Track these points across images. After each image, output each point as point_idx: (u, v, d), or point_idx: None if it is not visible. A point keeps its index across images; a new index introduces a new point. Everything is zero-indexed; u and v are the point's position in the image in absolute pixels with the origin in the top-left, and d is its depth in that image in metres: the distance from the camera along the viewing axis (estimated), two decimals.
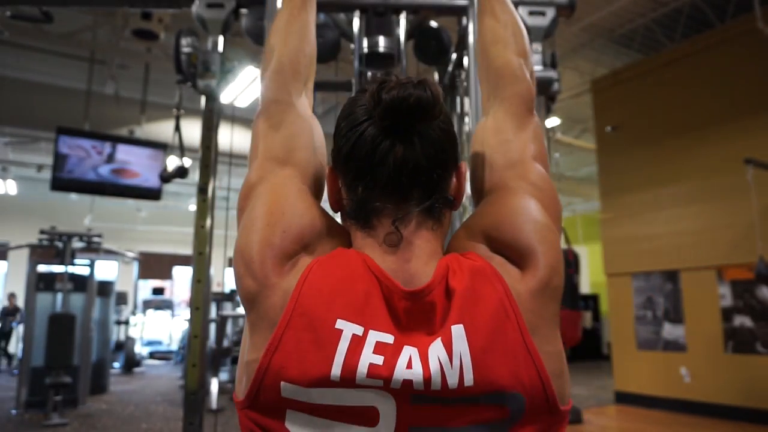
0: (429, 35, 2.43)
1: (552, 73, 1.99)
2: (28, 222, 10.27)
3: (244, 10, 2.07)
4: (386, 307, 0.59)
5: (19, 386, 6.00)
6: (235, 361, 7.74)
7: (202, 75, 1.98)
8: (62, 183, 5.84)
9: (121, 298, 10.15)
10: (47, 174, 8.10)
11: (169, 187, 9.03)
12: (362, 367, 0.55)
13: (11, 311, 9.51)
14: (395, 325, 0.58)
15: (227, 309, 8.45)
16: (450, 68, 2.49)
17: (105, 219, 11.10)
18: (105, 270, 9.82)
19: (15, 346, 9.69)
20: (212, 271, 2.13)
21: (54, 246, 6.56)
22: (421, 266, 0.62)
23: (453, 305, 0.59)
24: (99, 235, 6.92)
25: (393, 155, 0.61)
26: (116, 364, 9.35)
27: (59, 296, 6.21)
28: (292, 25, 0.83)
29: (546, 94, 2.03)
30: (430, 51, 2.46)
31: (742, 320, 5.42)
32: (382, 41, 2.03)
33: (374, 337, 0.56)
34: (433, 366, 0.55)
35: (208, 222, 2.05)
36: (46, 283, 6.33)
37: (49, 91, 6.88)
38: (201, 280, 2.00)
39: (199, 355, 1.96)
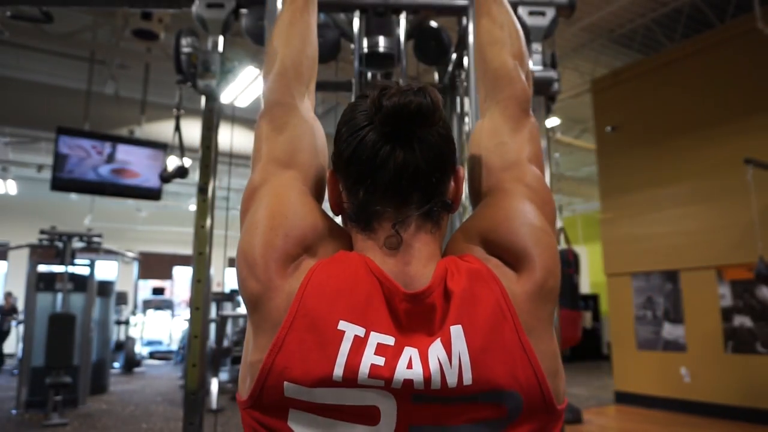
0: (429, 35, 2.43)
1: (552, 73, 1.99)
2: (28, 222, 10.28)
3: (244, 10, 2.07)
4: (387, 308, 0.60)
5: (19, 386, 6.00)
6: (235, 361, 7.75)
7: (202, 75, 1.98)
8: (62, 183, 5.84)
9: (121, 298, 10.15)
10: (47, 174, 8.11)
11: (169, 187, 9.04)
12: (364, 368, 0.56)
13: (8, 311, 9.49)
14: (396, 326, 0.59)
15: (227, 309, 8.46)
16: (450, 68, 2.49)
17: (105, 219, 11.10)
18: (105, 270, 9.82)
19: (12, 346, 9.69)
20: (212, 271, 2.13)
21: (54, 246, 6.56)
22: (420, 268, 0.63)
23: (452, 306, 0.60)
24: (99, 235, 6.93)
25: (393, 160, 0.62)
26: (116, 364, 9.34)
27: (59, 296, 6.22)
28: (294, 27, 0.83)
29: (546, 94, 2.03)
30: (430, 51, 2.46)
31: (742, 320, 5.42)
32: (382, 41, 2.03)
33: (376, 338, 0.58)
34: (433, 366, 0.56)
35: (208, 222, 2.06)
36: (46, 283, 6.32)
37: (49, 91, 6.88)
38: (201, 280, 2.01)
39: (199, 355, 1.96)
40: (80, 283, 6.51)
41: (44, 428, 5.21)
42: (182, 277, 13.45)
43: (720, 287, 5.60)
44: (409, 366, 0.56)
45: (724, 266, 5.56)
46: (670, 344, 5.99)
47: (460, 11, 2.03)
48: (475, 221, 0.71)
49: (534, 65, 1.93)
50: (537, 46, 1.96)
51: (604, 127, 6.80)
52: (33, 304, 6.21)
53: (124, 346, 9.52)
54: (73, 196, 9.99)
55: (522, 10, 1.96)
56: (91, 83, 6.53)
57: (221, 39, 2.01)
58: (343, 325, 0.57)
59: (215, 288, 9.55)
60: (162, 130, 7.04)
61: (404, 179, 0.63)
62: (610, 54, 6.66)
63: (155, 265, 12.82)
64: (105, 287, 7.61)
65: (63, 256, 6.40)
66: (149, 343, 11.95)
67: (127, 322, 10.20)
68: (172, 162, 3.39)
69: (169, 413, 5.90)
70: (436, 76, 2.69)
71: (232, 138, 2.76)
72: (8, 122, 6.90)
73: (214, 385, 5.81)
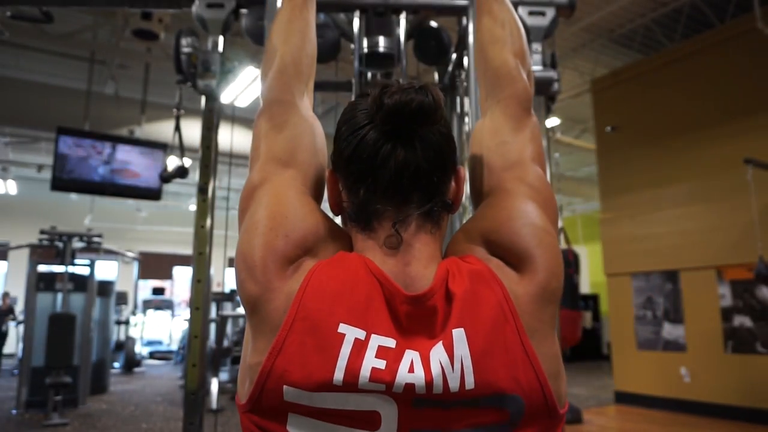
0: (429, 35, 2.43)
1: (552, 73, 1.98)
2: (28, 222, 10.28)
3: (244, 10, 2.07)
4: (388, 310, 0.59)
5: (19, 386, 6.00)
6: (235, 361, 7.74)
7: (202, 75, 1.98)
8: (62, 183, 5.84)
9: (121, 298, 10.15)
10: (47, 174, 8.11)
11: (169, 187, 9.04)
12: (365, 372, 0.55)
13: (5, 312, 9.48)
14: (397, 329, 0.59)
15: (227, 309, 8.45)
16: (450, 68, 2.49)
17: (105, 219, 11.10)
18: (105, 270, 9.81)
19: (12, 347, 9.69)
20: (212, 271, 2.13)
21: (54, 246, 6.56)
22: (421, 269, 0.62)
23: (453, 309, 0.59)
24: (99, 235, 6.93)
25: (394, 158, 0.62)
26: (116, 364, 9.35)
27: (59, 296, 6.22)
28: (293, 25, 0.83)
29: (546, 94, 2.02)
30: (430, 51, 2.46)
31: (741, 320, 5.42)
32: (382, 41, 2.03)
33: (376, 341, 0.57)
34: (435, 370, 0.56)
35: (208, 222, 2.05)
36: (47, 283, 6.33)
37: (49, 91, 6.88)
38: (201, 280, 2.00)
39: (199, 355, 1.96)
40: (80, 283, 6.51)
41: (44, 428, 5.21)
42: (182, 277, 13.46)
43: (720, 287, 5.60)
44: (411, 370, 0.55)
45: (724, 266, 5.56)
46: (670, 344, 5.99)
47: (460, 11, 2.02)
48: (476, 221, 0.70)
49: (534, 65, 1.93)
50: (537, 46, 1.96)
51: (604, 127, 6.80)
52: (33, 304, 6.21)
53: (124, 346, 9.53)
54: (73, 196, 9.99)
55: (522, 10, 1.95)
56: (91, 83, 6.53)
57: (221, 39, 2.01)
58: (343, 327, 0.57)
59: (215, 288, 9.54)
60: (162, 130, 7.04)
61: (405, 178, 0.62)
62: (610, 54, 6.66)
63: (155, 265, 12.82)
64: (105, 287, 7.61)
65: (63, 256, 6.40)
66: (149, 343, 11.95)
67: (127, 322, 10.21)
68: (172, 162, 3.39)
69: (169, 413, 5.90)
70: (436, 76, 2.68)
71: (232, 138, 2.76)
72: (8, 122, 6.90)
73: (214, 385, 5.81)
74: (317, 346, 0.56)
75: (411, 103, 0.60)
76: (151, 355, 11.46)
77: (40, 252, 6.63)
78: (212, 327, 7.37)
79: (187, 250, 10.18)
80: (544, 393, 0.58)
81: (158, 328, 12.46)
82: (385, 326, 0.58)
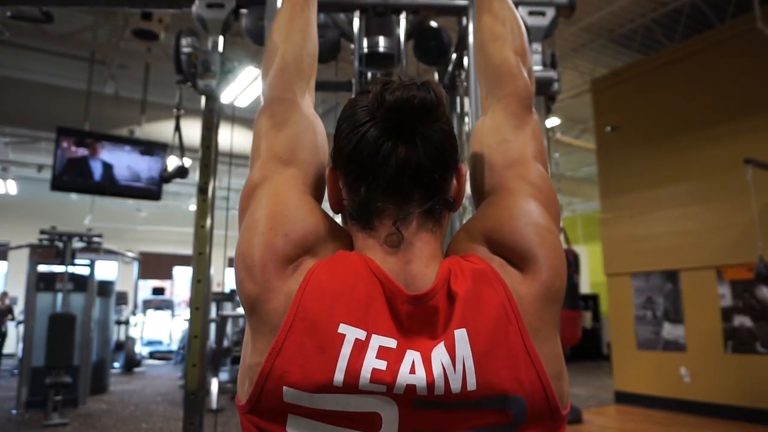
0: (429, 35, 2.43)
1: (552, 73, 1.99)
2: (28, 222, 10.27)
3: (244, 10, 2.07)
4: (389, 310, 0.58)
5: (19, 386, 6.00)
6: (235, 361, 7.73)
7: (202, 75, 1.98)
8: (62, 183, 5.84)
9: (121, 298, 10.15)
10: (47, 174, 8.11)
11: (169, 187, 9.05)
12: (365, 373, 0.54)
13: (3, 312, 9.48)
14: (398, 329, 0.58)
15: (227, 309, 8.45)
16: (450, 68, 2.49)
17: (105, 219, 11.10)
18: (105, 270, 9.81)
19: (12, 347, 9.69)
20: (212, 271, 2.13)
21: (54, 246, 6.56)
22: (422, 268, 0.61)
23: (455, 309, 0.58)
24: (99, 235, 6.93)
25: (395, 156, 0.61)
26: (116, 364, 9.35)
27: (59, 296, 6.22)
28: (294, 23, 0.82)
29: (546, 94, 2.02)
30: (430, 51, 2.46)
31: (741, 320, 5.42)
32: (382, 41, 2.03)
33: (377, 341, 0.56)
34: (437, 371, 0.55)
35: (208, 222, 2.05)
36: (47, 283, 6.33)
37: (49, 91, 6.88)
38: (201, 280, 2.00)
39: (199, 355, 1.96)
40: (80, 283, 6.51)
41: (44, 428, 5.21)
42: (182, 277, 13.45)
43: (720, 287, 5.60)
44: (412, 371, 0.55)
45: (724, 266, 5.56)
46: (670, 344, 5.99)
47: (460, 11, 2.02)
48: (478, 220, 0.70)
49: (534, 65, 1.92)
50: (537, 46, 1.96)
51: (604, 127, 6.80)
52: (33, 304, 6.21)
53: (124, 346, 9.53)
54: (73, 196, 9.99)
55: (522, 10, 1.95)
56: (91, 83, 6.53)
57: (221, 39, 2.01)
58: (343, 328, 0.56)
59: (215, 288, 9.54)
60: (162, 130, 7.04)
61: (406, 176, 0.61)
62: (610, 54, 6.66)
63: (155, 265, 12.82)
64: (105, 287, 7.61)
65: (63, 256, 6.40)
66: (149, 343, 11.94)
67: (127, 322, 10.21)
68: (172, 162, 3.39)
69: (169, 413, 5.90)
70: (436, 76, 2.69)
71: (232, 138, 2.76)
72: (8, 122, 6.90)
73: (214, 385, 5.81)
74: (317, 347, 0.55)
75: (413, 100, 0.59)
76: (151, 355, 11.46)
77: (40, 252, 6.64)
78: (212, 327, 7.37)
79: (187, 250, 10.18)
80: (546, 394, 0.58)
81: (158, 328, 12.45)
82: (385, 326, 0.57)
